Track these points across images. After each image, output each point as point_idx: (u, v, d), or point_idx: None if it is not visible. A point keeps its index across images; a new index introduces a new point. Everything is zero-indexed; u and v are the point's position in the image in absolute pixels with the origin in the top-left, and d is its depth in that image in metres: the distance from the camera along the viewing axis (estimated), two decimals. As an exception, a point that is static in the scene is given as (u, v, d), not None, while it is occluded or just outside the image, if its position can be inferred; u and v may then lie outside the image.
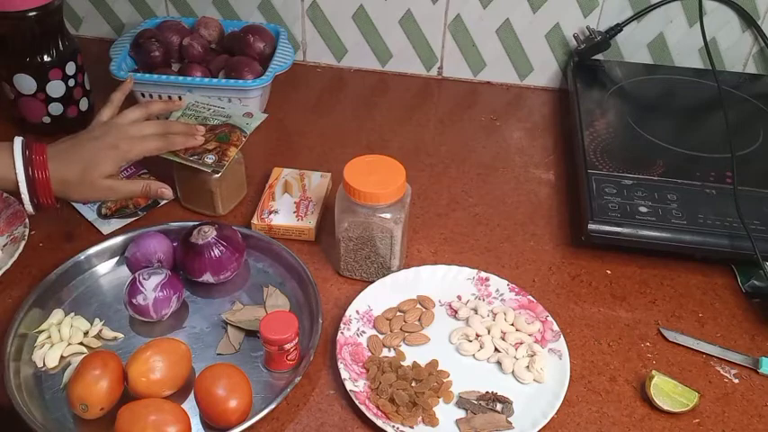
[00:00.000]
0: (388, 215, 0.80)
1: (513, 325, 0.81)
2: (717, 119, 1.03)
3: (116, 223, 0.92)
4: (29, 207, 0.82)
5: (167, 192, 0.88)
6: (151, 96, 1.06)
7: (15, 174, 0.79)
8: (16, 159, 0.80)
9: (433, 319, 0.82)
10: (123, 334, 0.80)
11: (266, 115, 0.95)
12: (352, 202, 0.80)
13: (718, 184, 0.91)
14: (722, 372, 0.78)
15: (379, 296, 0.83)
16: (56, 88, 1.02)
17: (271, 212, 0.91)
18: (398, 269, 0.85)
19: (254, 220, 0.90)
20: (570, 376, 0.74)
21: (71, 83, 1.03)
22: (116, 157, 0.84)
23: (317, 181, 0.96)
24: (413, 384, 0.74)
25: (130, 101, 1.08)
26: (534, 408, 0.72)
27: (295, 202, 0.93)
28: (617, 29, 1.15)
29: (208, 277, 0.83)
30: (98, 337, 0.79)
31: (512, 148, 1.10)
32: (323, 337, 0.78)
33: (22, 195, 0.81)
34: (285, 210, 0.92)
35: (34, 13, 0.96)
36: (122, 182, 0.86)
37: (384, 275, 0.84)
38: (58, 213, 0.91)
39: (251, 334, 0.79)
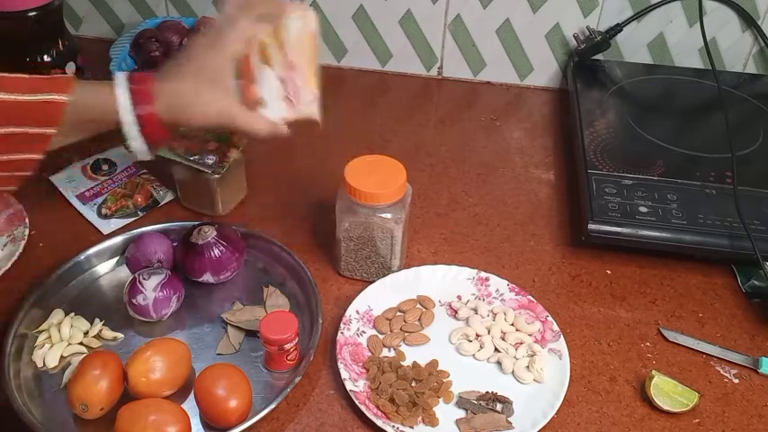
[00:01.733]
0: (388, 215, 0.80)
1: (513, 325, 0.81)
2: (717, 119, 1.03)
3: (116, 223, 0.92)
4: (140, 149, 0.70)
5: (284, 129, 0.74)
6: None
7: (118, 113, 0.67)
8: (119, 97, 0.68)
9: (433, 319, 0.82)
10: (123, 334, 0.80)
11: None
12: (352, 202, 0.80)
13: (718, 184, 0.91)
14: (722, 372, 0.78)
15: (379, 296, 0.83)
16: (56, 88, 1.01)
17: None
18: (399, 269, 0.85)
19: None
20: (570, 376, 0.74)
21: (71, 83, 1.03)
22: (221, 53, 0.71)
23: (296, 29, 0.74)
24: (413, 384, 0.74)
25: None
26: (534, 408, 0.72)
27: (279, 77, 0.75)
28: (617, 29, 1.15)
29: (208, 277, 0.83)
30: (98, 337, 0.79)
31: (512, 148, 1.10)
32: (323, 337, 0.78)
33: (130, 138, 0.69)
34: (271, 97, 0.75)
35: (34, 13, 0.96)
36: (245, 109, 0.72)
37: (384, 275, 0.84)
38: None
39: (251, 334, 0.79)
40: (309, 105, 0.77)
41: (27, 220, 0.89)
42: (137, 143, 0.69)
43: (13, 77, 0.66)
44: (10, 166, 0.67)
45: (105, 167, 0.99)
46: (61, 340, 0.77)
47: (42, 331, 0.78)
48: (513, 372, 0.76)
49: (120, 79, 0.69)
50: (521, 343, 0.79)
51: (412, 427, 0.70)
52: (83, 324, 0.80)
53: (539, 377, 0.75)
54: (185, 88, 0.70)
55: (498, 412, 0.71)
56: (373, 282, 0.83)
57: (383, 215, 0.80)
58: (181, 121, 0.70)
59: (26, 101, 0.65)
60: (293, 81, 0.75)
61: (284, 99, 0.76)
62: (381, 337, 0.79)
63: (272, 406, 0.70)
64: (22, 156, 0.67)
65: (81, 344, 0.78)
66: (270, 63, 0.74)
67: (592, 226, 0.86)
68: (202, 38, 0.73)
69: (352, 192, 0.79)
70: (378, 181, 0.79)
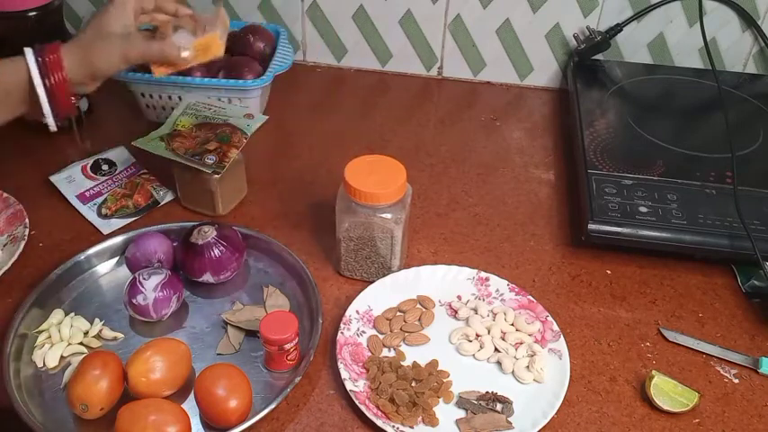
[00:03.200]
0: (388, 215, 0.80)
1: (513, 325, 0.81)
2: (717, 119, 1.03)
3: (116, 223, 0.92)
4: (50, 119, 0.78)
5: (186, 53, 0.82)
6: (151, 96, 1.06)
7: (31, 82, 0.75)
8: (30, 67, 0.75)
9: (433, 319, 0.82)
10: (123, 334, 0.80)
11: (267, 117, 0.95)
12: (352, 202, 0.80)
13: (718, 184, 0.91)
14: (722, 372, 0.78)
15: (379, 296, 0.83)
16: (56, 88, 1.01)
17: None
18: (399, 269, 0.85)
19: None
20: (570, 376, 0.74)
21: (71, 83, 1.03)
22: (116, 5, 0.80)
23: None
24: (413, 384, 0.74)
25: (131, 101, 1.08)
26: (534, 408, 0.72)
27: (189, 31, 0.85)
28: (617, 29, 1.15)
29: (208, 277, 0.83)
30: (98, 337, 0.79)
31: (512, 148, 1.10)
32: (323, 337, 0.78)
33: (43, 105, 0.76)
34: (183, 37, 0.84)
35: (34, 13, 0.96)
36: (141, 40, 0.81)
37: (384, 275, 0.84)
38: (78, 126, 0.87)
39: (251, 334, 0.79)
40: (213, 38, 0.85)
41: (27, 220, 0.89)
42: (47, 111, 0.76)
43: None
44: None
45: (105, 167, 0.99)
46: (61, 340, 0.77)
47: (42, 331, 0.78)
48: (513, 372, 0.76)
49: (29, 52, 0.76)
50: (521, 343, 0.79)
51: (412, 427, 0.70)
52: (83, 324, 0.80)
53: (539, 377, 0.75)
54: (86, 40, 0.79)
55: (498, 412, 0.71)
56: (373, 282, 0.83)
57: (383, 215, 0.80)
58: (95, 75, 0.79)
59: None
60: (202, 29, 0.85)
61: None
62: (381, 337, 0.79)
63: (272, 406, 0.70)
64: None
65: (81, 344, 0.78)
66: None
67: (592, 226, 0.86)
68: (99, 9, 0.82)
69: (353, 192, 0.79)
70: (378, 181, 0.79)
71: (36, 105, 0.76)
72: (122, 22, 0.80)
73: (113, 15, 0.80)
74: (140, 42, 0.81)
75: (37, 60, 0.75)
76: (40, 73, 0.75)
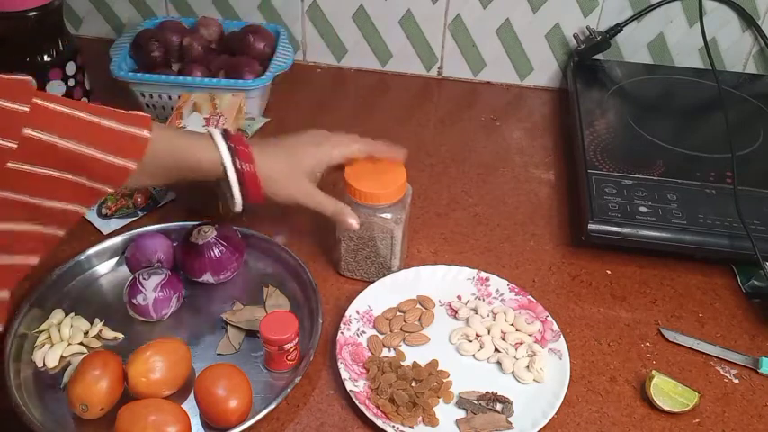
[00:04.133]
0: (388, 215, 0.80)
1: (513, 325, 0.81)
2: (717, 119, 1.03)
3: (116, 223, 0.92)
4: (239, 200, 0.75)
5: (354, 223, 0.79)
6: (151, 96, 1.06)
7: (224, 165, 0.73)
8: (221, 150, 0.73)
9: (433, 319, 0.82)
10: (123, 334, 0.80)
11: (267, 119, 0.95)
12: (352, 202, 0.80)
13: (718, 184, 0.91)
14: (722, 372, 0.78)
15: (379, 296, 0.83)
16: (56, 88, 1.01)
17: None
18: (399, 269, 0.85)
19: None
20: (570, 376, 0.74)
21: (71, 83, 1.03)
22: (318, 154, 0.79)
23: (229, 100, 0.95)
24: (413, 384, 0.74)
25: (131, 102, 1.08)
26: (534, 408, 0.72)
27: (204, 118, 0.91)
28: (617, 29, 1.15)
29: (208, 277, 0.83)
30: (98, 337, 0.79)
31: (512, 148, 1.10)
32: (323, 337, 0.78)
33: (233, 187, 0.74)
34: (193, 126, 0.90)
35: (34, 13, 0.95)
36: (319, 191, 0.80)
37: (384, 275, 0.84)
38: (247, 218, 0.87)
39: (251, 334, 0.79)
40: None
41: (27, 220, 0.89)
42: (237, 194, 0.75)
43: (97, 105, 0.67)
44: (77, 193, 0.65)
45: (105, 167, 0.99)
46: (61, 340, 0.77)
47: (42, 331, 0.78)
48: (513, 372, 0.76)
49: (218, 134, 0.74)
50: (521, 343, 0.79)
51: (412, 427, 0.70)
52: (83, 324, 0.79)
53: (539, 377, 0.75)
54: (280, 167, 0.77)
55: (498, 412, 0.71)
56: (373, 282, 0.83)
57: (383, 215, 0.80)
58: (266, 192, 0.77)
59: (112, 128, 0.66)
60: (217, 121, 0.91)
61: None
62: (381, 337, 0.79)
63: (272, 406, 0.70)
64: (96, 185, 0.66)
65: (81, 344, 0.78)
66: (199, 111, 0.92)
67: (592, 226, 0.86)
68: (306, 135, 0.82)
69: (353, 192, 0.79)
70: (378, 181, 0.79)
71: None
72: (318, 167, 0.80)
73: (314, 155, 0.79)
74: (318, 193, 0.79)
75: (227, 143, 0.74)
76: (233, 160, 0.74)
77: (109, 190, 0.67)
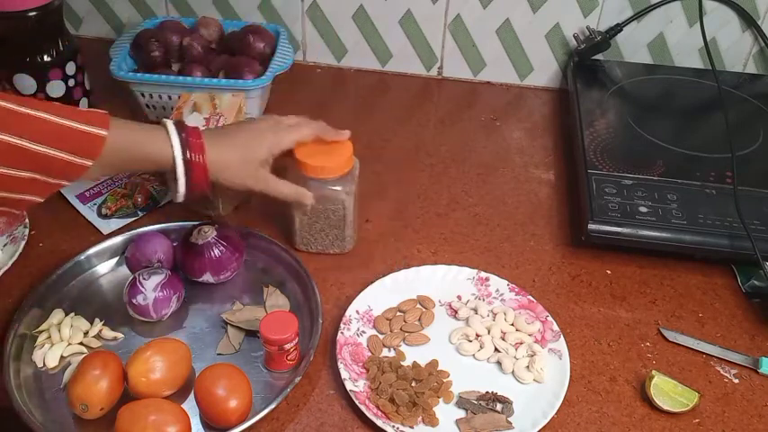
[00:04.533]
0: (339, 187, 0.83)
1: (513, 325, 0.81)
2: (717, 119, 1.03)
3: (116, 223, 0.92)
4: (182, 190, 0.76)
5: (309, 198, 0.82)
6: (151, 96, 1.06)
7: (174, 157, 0.74)
8: (174, 142, 0.74)
9: (433, 319, 0.82)
10: (123, 334, 0.80)
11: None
12: (303, 177, 0.82)
13: (718, 184, 0.91)
14: (722, 372, 0.78)
15: (379, 296, 0.83)
16: (56, 88, 1.01)
17: None
18: (353, 241, 0.89)
19: None
20: (570, 376, 0.74)
21: (71, 83, 1.03)
22: (271, 142, 0.81)
23: (229, 100, 0.95)
24: (413, 384, 0.74)
25: (131, 101, 1.08)
26: (534, 408, 0.72)
27: (204, 118, 0.92)
28: (617, 29, 1.15)
29: (208, 277, 0.83)
30: (98, 337, 0.79)
31: (512, 148, 1.10)
32: (323, 337, 0.78)
33: (179, 179, 0.75)
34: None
35: (34, 13, 0.95)
36: (274, 177, 0.81)
37: (339, 247, 0.87)
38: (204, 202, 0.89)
39: (251, 334, 0.79)
40: None
41: (27, 220, 0.89)
42: (181, 185, 0.75)
43: (57, 104, 0.69)
44: (33, 187, 0.68)
45: (105, 167, 0.99)
46: (61, 340, 0.77)
47: (42, 331, 0.78)
48: (513, 372, 0.76)
49: (171, 126, 0.75)
50: (521, 343, 0.79)
51: (412, 427, 0.70)
52: (83, 324, 0.80)
53: (539, 377, 0.75)
54: (233, 155, 0.78)
55: (498, 412, 0.71)
56: (330, 253, 0.87)
57: (334, 187, 0.83)
58: (218, 180, 0.78)
59: (70, 126, 0.67)
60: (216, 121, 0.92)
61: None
62: (381, 337, 0.79)
63: (272, 406, 0.70)
64: (52, 180, 0.68)
65: (81, 344, 0.78)
66: (199, 111, 0.93)
67: (592, 226, 0.86)
68: (261, 122, 0.84)
69: (304, 167, 0.82)
70: (326, 156, 0.83)
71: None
72: (272, 153, 0.81)
73: (267, 142, 0.80)
74: (272, 179, 0.81)
75: (180, 135, 0.75)
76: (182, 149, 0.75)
77: (65, 184, 0.70)
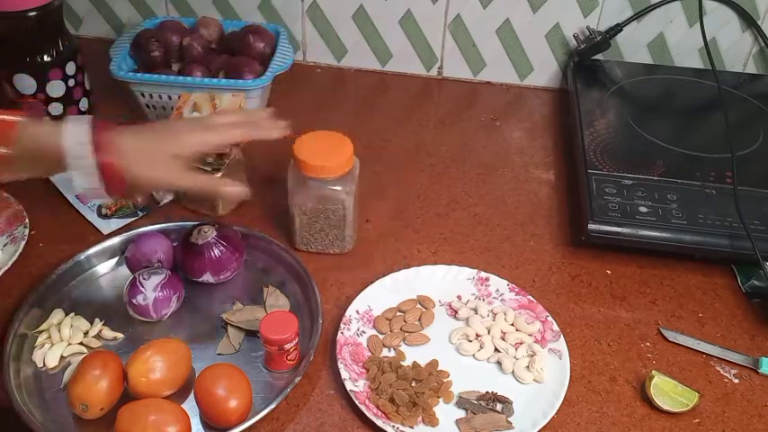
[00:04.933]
0: (339, 187, 0.83)
1: (513, 325, 0.81)
2: (717, 119, 1.03)
3: (116, 223, 0.92)
4: (78, 186, 0.73)
5: (242, 191, 0.79)
6: (151, 96, 1.06)
7: (71, 153, 0.70)
8: (77, 129, 0.71)
9: (433, 319, 0.82)
10: (123, 334, 0.80)
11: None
12: (303, 177, 0.82)
13: (718, 184, 0.91)
14: (722, 372, 0.78)
15: (379, 296, 0.83)
16: (56, 88, 1.01)
17: None
18: (353, 240, 0.88)
19: None
20: (570, 376, 0.75)
21: (71, 83, 1.03)
22: (197, 138, 0.78)
23: (229, 100, 0.95)
24: (413, 384, 0.74)
25: (131, 101, 1.08)
26: (534, 408, 0.72)
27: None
28: (617, 29, 1.15)
29: (208, 277, 0.83)
30: (98, 337, 0.79)
31: (512, 148, 1.10)
32: (323, 337, 0.78)
33: (81, 167, 0.71)
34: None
35: (34, 13, 0.95)
36: (192, 173, 0.78)
37: (339, 247, 0.87)
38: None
39: (251, 334, 0.79)
40: None
41: (27, 220, 0.89)
42: (80, 180, 0.72)
43: None
44: None
45: (105, 167, 0.99)
46: (61, 340, 0.77)
47: (42, 331, 0.78)
48: (513, 372, 0.76)
49: (71, 123, 0.71)
50: (521, 343, 0.79)
51: (412, 427, 0.70)
52: (83, 324, 0.80)
53: (539, 377, 0.75)
54: (143, 151, 0.74)
55: (498, 412, 0.71)
56: (329, 253, 0.87)
57: (334, 187, 0.83)
58: (132, 178, 0.73)
59: None
60: None
61: None
62: (381, 337, 0.79)
63: (272, 406, 0.70)
64: None
65: (81, 344, 0.78)
66: (199, 111, 0.92)
67: (592, 226, 0.86)
68: (183, 122, 0.84)
69: (303, 167, 0.82)
70: (326, 155, 0.82)
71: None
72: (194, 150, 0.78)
73: (187, 140, 0.77)
74: (190, 174, 0.78)
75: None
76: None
77: None
